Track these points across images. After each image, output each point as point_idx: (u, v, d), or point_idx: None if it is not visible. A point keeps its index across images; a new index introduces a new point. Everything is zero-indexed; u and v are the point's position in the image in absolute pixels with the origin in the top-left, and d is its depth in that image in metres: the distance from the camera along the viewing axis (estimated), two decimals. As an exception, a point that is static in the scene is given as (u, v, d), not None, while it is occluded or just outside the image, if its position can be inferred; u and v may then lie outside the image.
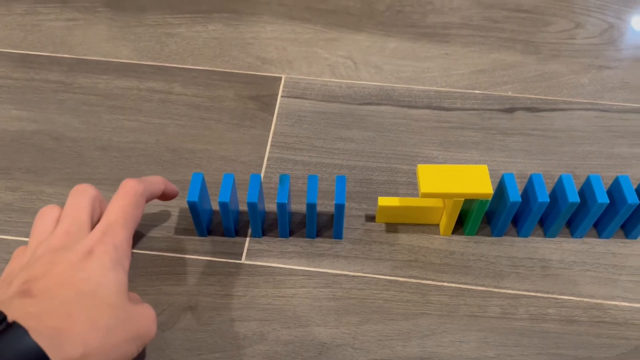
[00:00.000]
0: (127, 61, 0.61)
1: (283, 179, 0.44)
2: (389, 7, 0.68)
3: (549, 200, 0.44)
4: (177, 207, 0.49)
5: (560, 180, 0.45)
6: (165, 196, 0.44)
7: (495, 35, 0.65)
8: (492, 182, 0.45)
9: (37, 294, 0.32)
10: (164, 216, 0.49)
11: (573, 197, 0.43)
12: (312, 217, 0.45)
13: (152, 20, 0.66)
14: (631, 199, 0.44)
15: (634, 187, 0.48)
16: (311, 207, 0.44)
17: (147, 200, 0.42)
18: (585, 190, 0.45)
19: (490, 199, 0.43)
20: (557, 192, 0.45)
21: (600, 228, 0.47)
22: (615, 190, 0.45)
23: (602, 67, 0.61)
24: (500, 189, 0.45)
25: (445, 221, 0.46)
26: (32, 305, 0.32)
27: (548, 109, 0.57)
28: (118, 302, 0.35)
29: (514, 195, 0.44)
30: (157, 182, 0.43)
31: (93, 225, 0.38)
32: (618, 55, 0.62)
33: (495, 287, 0.44)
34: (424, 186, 0.42)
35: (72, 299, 0.33)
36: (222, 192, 0.43)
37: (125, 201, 0.39)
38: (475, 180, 0.43)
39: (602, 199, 0.43)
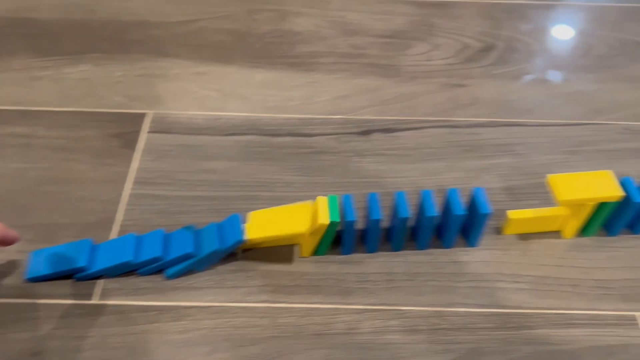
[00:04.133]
0: (-10, 107, 0.61)
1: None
2: (259, 39, 0.70)
3: (407, 215, 0.46)
4: (27, 252, 0.49)
5: (420, 196, 0.48)
6: (4, 242, 0.44)
7: (358, 61, 0.68)
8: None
9: None
10: (14, 263, 0.48)
11: (431, 212, 0.46)
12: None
13: (20, 65, 0.66)
14: (483, 209, 0.47)
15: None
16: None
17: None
18: (448, 204, 0.48)
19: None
20: (422, 207, 0.48)
21: (446, 238, 0.50)
22: (449, 201, 0.48)
23: (456, 85, 0.65)
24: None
25: (310, 243, 0.48)
26: None
27: (403, 128, 0.60)
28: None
29: (375, 213, 0.46)
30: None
31: None
32: (470, 73, 0.67)
33: (343, 303, 0.46)
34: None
35: None
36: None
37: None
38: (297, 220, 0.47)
39: (459, 211, 0.46)
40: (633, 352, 0.44)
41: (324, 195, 0.53)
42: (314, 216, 0.47)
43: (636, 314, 0.46)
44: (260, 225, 0.47)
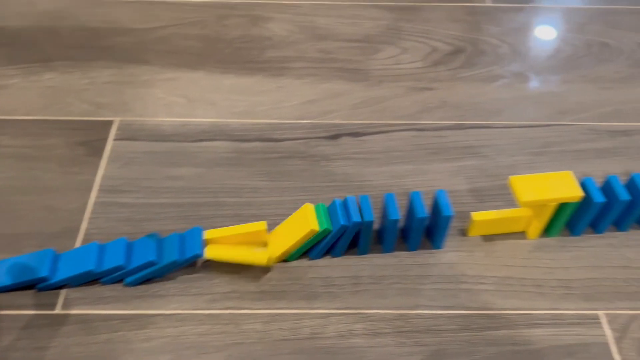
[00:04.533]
0: (-45, 116, 0.60)
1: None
2: (229, 45, 0.70)
3: (372, 219, 0.47)
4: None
5: (383, 200, 0.48)
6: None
7: (327, 66, 0.68)
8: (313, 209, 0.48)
9: None
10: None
11: (395, 215, 0.47)
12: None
13: (-14, 73, 0.65)
14: (446, 211, 0.47)
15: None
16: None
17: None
18: (411, 207, 0.49)
19: None
20: (386, 210, 0.48)
21: (410, 242, 0.50)
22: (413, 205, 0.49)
23: (424, 88, 0.66)
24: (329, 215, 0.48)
25: (279, 248, 0.49)
26: None
27: (371, 132, 0.61)
28: None
29: (343, 220, 0.47)
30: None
31: None
32: (438, 76, 0.67)
33: (308, 308, 0.46)
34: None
35: None
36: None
37: None
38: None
39: (422, 214, 0.47)
40: (594, 351, 0.44)
41: (291, 200, 0.53)
42: (301, 223, 0.48)
43: (599, 312, 0.47)
44: (220, 247, 0.47)
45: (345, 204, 0.48)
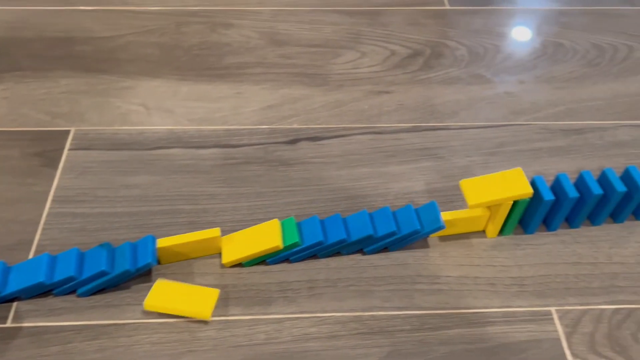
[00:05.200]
0: None
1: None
2: (187, 52, 0.70)
3: (321, 239, 0.48)
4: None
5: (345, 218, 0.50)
6: None
7: (287, 71, 0.69)
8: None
9: None
10: None
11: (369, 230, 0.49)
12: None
13: (-61, 85, 0.64)
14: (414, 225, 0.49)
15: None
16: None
17: None
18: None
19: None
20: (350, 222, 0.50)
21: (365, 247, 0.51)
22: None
23: (382, 92, 0.66)
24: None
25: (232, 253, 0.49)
26: None
27: (329, 136, 0.61)
28: None
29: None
30: None
31: None
32: (396, 79, 0.68)
33: (263, 314, 0.46)
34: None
35: None
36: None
37: None
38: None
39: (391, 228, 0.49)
40: (546, 347, 0.45)
41: (248, 205, 0.53)
42: (265, 237, 0.48)
43: (551, 308, 0.48)
44: (163, 297, 0.46)
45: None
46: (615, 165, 0.58)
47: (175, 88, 0.66)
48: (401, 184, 0.56)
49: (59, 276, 0.45)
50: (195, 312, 0.45)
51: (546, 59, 0.71)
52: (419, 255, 0.51)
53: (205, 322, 0.45)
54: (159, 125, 0.61)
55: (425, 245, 0.51)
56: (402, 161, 0.58)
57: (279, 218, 0.51)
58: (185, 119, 0.62)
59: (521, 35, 0.75)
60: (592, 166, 0.58)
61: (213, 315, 0.46)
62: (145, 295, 0.47)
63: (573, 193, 0.49)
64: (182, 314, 0.46)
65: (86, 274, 0.46)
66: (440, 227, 0.48)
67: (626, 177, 0.51)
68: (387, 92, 0.66)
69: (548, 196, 0.49)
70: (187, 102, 0.64)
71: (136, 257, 0.47)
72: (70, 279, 0.45)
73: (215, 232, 0.48)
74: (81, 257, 0.47)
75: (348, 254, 0.50)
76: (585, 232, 0.53)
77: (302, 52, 0.71)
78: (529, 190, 0.48)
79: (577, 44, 0.74)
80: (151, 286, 0.47)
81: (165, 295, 0.46)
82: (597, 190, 0.50)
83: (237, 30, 0.74)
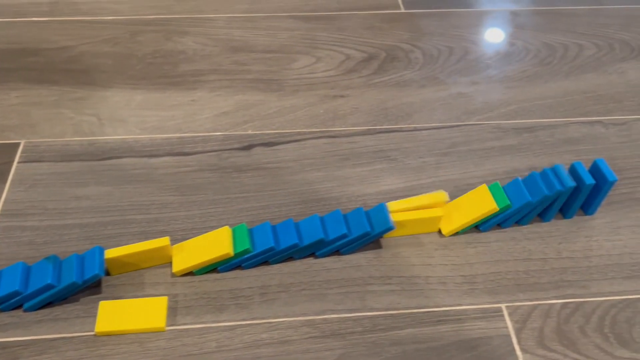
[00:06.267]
0: None
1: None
2: (141, 61, 0.70)
3: (272, 245, 0.48)
4: None
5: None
6: None
7: (241, 77, 0.68)
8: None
9: None
10: None
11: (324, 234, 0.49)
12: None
13: None
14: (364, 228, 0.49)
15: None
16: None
17: None
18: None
19: None
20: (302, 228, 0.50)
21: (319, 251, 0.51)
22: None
23: (337, 96, 0.67)
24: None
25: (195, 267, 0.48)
26: None
27: (284, 141, 0.61)
28: None
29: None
30: None
31: None
32: (351, 83, 0.68)
33: (214, 322, 0.46)
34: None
35: None
36: None
37: None
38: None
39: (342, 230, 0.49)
40: (495, 344, 0.45)
41: (200, 213, 0.53)
42: (217, 244, 0.48)
43: (501, 305, 0.48)
44: (113, 318, 0.45)
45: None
46: (566, 162, 0.59)
47: (129, 97, 0.65)
48: (355, 187, 0.57)
49: (3, 291, 0.44)
50: (149, 325, 0.45)
51: (499, 59, 0.73)
52: (372, 257, 0.51)
53: (154, 333, 0.45)
54: (111, 135, 0.61)
55: (378, 246, 0.51)
56: (356, 164, 0.59)
57: (232, 225, 0.51)
58: (138, 128, 0.62)
59: (475, 36, 0.76)
60: (543, 163, 0.59)
61: (165, 326, 0.45)
62: (95, 307, 0.46)
63: (590, 180, 0.51)
64: (137, 331, 0.45)
65: (32, 288, 0.45)
66: (390, 228, 0.48)
67: (572, 172, 0.52)
68: (342, 96, 0.66)
69: (589, 180, 0.51)
70: (141, 111, 0.64)
71: (83, 269, 0.46)
72: (15, 294, 0.45)
73: (164, 241, 0.48)
74: (27, 271, 0.46)
75: (301, 258, 0.50)
76: (536, 229, 0.53)
77: (257, 58, 0.71)
78: (493, 207, 0.51)
79: (530, 44, 0.75)
80: (101, 298, 0.47)
81: (113, 315, 0.45)
82: (569, 183, 0.51)
83: (192, 38, 0.73)
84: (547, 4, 0.82)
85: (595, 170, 0.52)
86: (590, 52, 0.74)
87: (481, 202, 0.52)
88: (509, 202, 0.51)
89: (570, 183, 0.50)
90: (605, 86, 0.69)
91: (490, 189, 0.52)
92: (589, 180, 0.50)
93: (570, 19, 0.80)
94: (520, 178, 0.52)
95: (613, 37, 0.77)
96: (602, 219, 0.54)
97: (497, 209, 0.51)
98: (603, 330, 0.46)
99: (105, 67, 0.69)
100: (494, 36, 0.76)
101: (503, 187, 0.52)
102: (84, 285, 0.46)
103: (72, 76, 0.67)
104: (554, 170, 0.51)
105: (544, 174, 0.52)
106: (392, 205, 0.51)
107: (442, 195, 0.51)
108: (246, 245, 0.48)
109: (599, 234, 0.53)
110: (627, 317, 0.47)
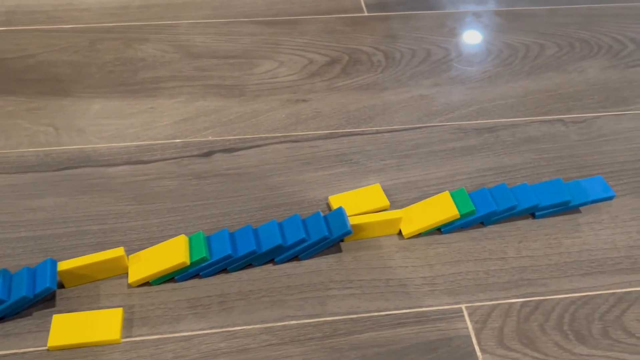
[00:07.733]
0: None
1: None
2: (100, 69, 0.69)
3: (229, 252, 0.47)
4: None
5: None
6: None
7: (202, 83, 0.68)
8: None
9: None
10: None
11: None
12: None
13: None
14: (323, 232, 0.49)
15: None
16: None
17: None
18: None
19: None
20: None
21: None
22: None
23: (299, 100, 0.66)
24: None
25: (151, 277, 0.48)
26: None
27: (245, 147, 0.60)
28: None
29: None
30: None
31: None
32: (314, 87, 0.68)
33: (171, 332, 0.45)
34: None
35: None
36: None
37: None
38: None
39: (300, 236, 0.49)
40: (455, 344, 0.45)
41: (158, 222, 0.52)
42: (172, 253, 0.47)
43: (462, 305, 0.48)
44: (66, 332, 0.44)
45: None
46: (526, 161, 0.59)
47: (87, 106, 0.64)
48: (317, 191, 0.56)
49: (-50, 308, 0.43)
50: (104, 338, 0.44)
51: (461, 60, 0.73)
52: (332, 261, 0.50)
53: (109, 346, 0.44)
54: (68, 145, 0.59)
55: (338, 250, 0.51)
56: (318, 168, 0.58)
57: (191, 233, 0.50)
58: (96, 137, 0.60)
59: (437, 38, 0.77)
60: (504, 163, 0.60)
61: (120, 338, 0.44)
62: (48, 322, 0.45)
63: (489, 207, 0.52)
64: (92, 344, 0.44)
65: (-20, 304, 0.44)
66: (348, 232, 0.48)
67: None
68: (304, 101, 0.66)
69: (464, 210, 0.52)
70: (99, 119, 0.63)
71: (35, 282, 0.45)
72: (-38, 311, 0.43)
73: (119, 251, 0.47)
74: (-25, 286, 0.45)
75: (260, 265, 0.50)
76: (496, 228, 0.53)
77: (219, 64, 0.71)
78: (455, 213, 0.51)
79: (492, 45, 0.76)
80: (55, 311, 0.46)
81: (67, 329, 0.44)
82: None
83: (152, 44, 0.73)
84: (508, 5, 0.83)
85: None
86: (552, 52, 0.75)
87: (443, 207, 0.52)
88: (473, 208, 0.51)
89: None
90: (566, 85, 0.70)
91: (454, 194, 0.52)
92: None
93: (530, 19, 0.80)
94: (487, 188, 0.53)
95: (573, 36, 0.77)
96: (561, 216, 0.55)
97: (458, 215, 0.51)
98: (562, 327, 0.46)
99: (63, 76, 0.67)
100: (457, 38, 0.77)
101: (470, 194, 0.53)
102: (36, 299, 0.45)
103: (29, 86, 0.66)
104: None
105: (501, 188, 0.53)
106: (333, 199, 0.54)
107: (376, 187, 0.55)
108: (203, 253, 0.47)
109: (558, 232, 0.53)
110: (586, 314, 0.47)
